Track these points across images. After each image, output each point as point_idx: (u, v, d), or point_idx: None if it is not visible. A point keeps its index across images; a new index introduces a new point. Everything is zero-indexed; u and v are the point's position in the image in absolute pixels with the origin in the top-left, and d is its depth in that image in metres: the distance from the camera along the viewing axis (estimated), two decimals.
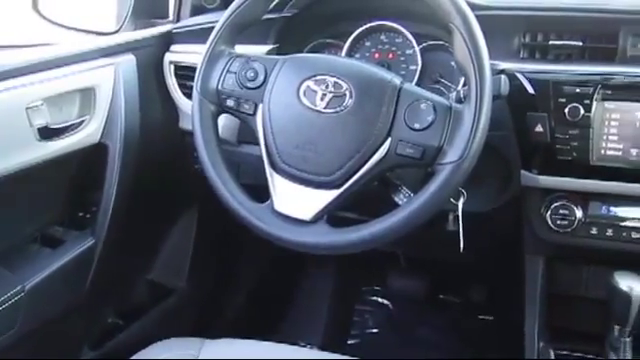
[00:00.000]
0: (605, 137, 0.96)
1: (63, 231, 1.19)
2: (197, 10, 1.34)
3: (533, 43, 1.04)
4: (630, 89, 0.95)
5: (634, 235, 1.00)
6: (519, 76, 0.98)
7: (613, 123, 0.95)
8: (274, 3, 1.00)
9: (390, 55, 1.16)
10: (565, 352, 1.12)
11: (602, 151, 0.96)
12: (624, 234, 1.00)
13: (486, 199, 1.07)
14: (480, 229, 1.00)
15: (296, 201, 0.89)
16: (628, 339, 0.97)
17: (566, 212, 1.02)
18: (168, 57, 1.25)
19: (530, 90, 0.97)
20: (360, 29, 1.15)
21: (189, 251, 1.56)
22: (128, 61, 1.19)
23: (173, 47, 1.26)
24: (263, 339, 0.99)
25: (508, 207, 1.07)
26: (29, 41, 1.22)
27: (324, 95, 0.88)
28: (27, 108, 0.99)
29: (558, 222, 1.02)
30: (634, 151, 0.95)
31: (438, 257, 1.61)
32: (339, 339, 1.75)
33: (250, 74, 0.94)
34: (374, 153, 0.84)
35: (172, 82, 1.26)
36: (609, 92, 0.95)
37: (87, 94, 1.10)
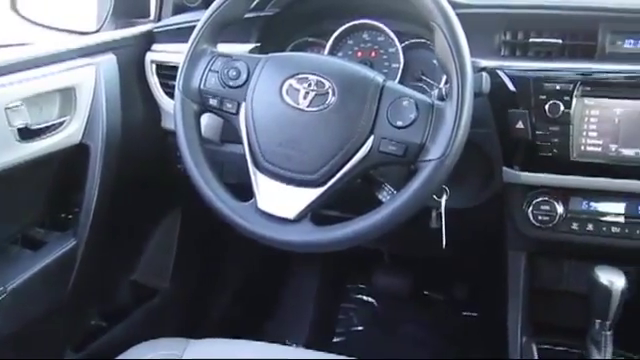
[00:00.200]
0: (585, 133, 0.97)
1: (44, 232, 1.18)
2: (178, 9, 1.33)
3: (514, 41, 1.05)
4: (609, 86, 0.96)
5: (614, 230, 1.01)
6: (500, 73, 0.99)
7: (593, 119, 0.97)
8: (256, 2, 1.00)
9: (372, 53, 1.17)
10: (547, 346, 1.13)
11: (582, 147, 0.98)
12: (604, 229, 1.02)
13: (469, 196, 1.08)
14: (463, 226, 1.01)
15: (280, 199, 0.89)
16: (609, 333, 0.98)
17: (547, 208, 1.03)
18: (149, 56, 1.25)
19: (511, 87, 0.98)
20: (342, 27, 1.15)
21: (173, 251, 1.55)
22: (109, 61, 1.17)
23: (154, 46, 1.26)
24: (248, 339, 0.98)
25: (490, 204, 1.08)
26: (7, 41, 1.20)
27: (307, 93, 0.88)
28: (6, 108, 0.97)
29: (540, 218, 1.03)
30: (613, 147, 0.96)
31: (422, 254, 1.62)
32: (324, 337, 1.75)
33: (232, 73, 0.93)
34: (357, 151, 0.85)
35: (154, 81, 1.25)
36: (588, 89, 0.96)
37: (67, 94, 1.09)
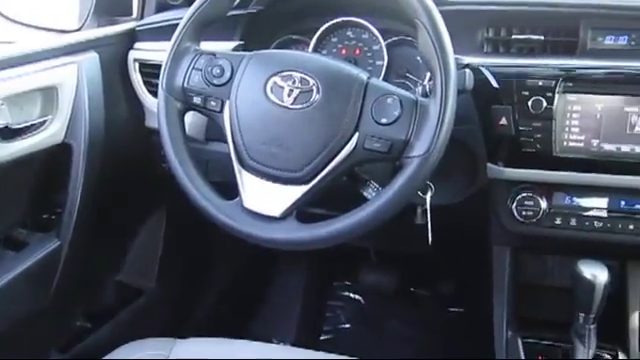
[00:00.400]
0: (567, 129, 0.98)
1: (27, 233, 1.17)
2: (161, 7, 1.32)
3: (496, 37, 1.06)
4: (590, 81, 0.97)
5: (597, 224, 1.02)
6: (483, 70, 0.99)
7: (575, 115, 0.98)
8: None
9: (357, 51, 1.17)
10: (533, 340, 1.14)
11: (565, 142, 0.99)
12: (587, 223, 1.03)
13: (453, 192, 1.08)
14: (448, 222, 1.01)
15: (265, 198, 0.89)
16: (592, 326, 0.99)
17: (531, 203, 1.04)
18: (132, 55, 1.24)
19: (494, 84, 0.99)
20: (326, 25, 1.15)
21: (158, 251, 1.54)
22: (91, 59, 1.16)
23: (137, 44, 1.25)
24: (235, 337, 0.98)
25: (475, 199, 1.09)
26: None
27: (291, 91, 0.88)
28: None
29: (523, 213, 1.04)
30: (595, 142, 0.97)
31: (408, 251, 1.62)
32: (312, 335, 1.75)
33: (216, 71, 0.93)
34: (342, 148, 0.85)
35: (137, 80, 1.24)
36: (570, 85, 0.97)
37: (49, 93, 1.08)
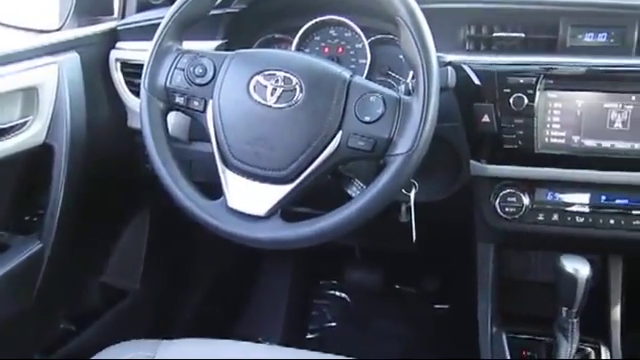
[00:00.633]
0: (548, 125, 0.99)
1: (8, 236, 1.15)
2: (143, 6, 1.31)
3: (478, 35, 1.07)
4: (571, 78, 0.98)
5: (578, 220, 1.04)
6: (465, 68, 1.00)
7: (556, 112, 0.98)
8: None
9: (339, 49, 1.17)
10: (517, 335, 1.15)
11: (546, 139, 0.99)
12: (569, 219, 1.04)
13: (437, 189, 1.09)
14: (432, 219, 1.02)
15: (249, 197, 0.88)
16: (575, 320, 1.00)
17: (514, 199, 1.05)
18: (114, 54, 1.23)
19: (476, 81, 1.00)
20: (309, 24, 1.15)
21: (142, 252, 1.53)
22: (72, 59, 1.15)
23: (119, 44, 1.24)
24: (221, 338, 0.98)
25: (459, 196, 1.10)
26: None
27: (274, 90, 0.88)
28: None
29: (506, 209, 1.05)
30: (576, 138, 0.98)
31: (393, 248, 1.63)
32: (298, 334, 1.75)
33: (199, 70, 0.93)
34: (326, 147, 0.85)
35: (119, 80, 1.23)
36: (551, 82, 0.98)
37: (30, 94, 1.07)
